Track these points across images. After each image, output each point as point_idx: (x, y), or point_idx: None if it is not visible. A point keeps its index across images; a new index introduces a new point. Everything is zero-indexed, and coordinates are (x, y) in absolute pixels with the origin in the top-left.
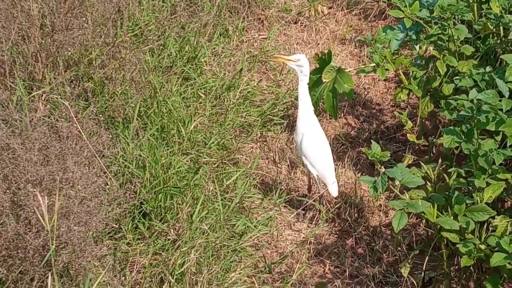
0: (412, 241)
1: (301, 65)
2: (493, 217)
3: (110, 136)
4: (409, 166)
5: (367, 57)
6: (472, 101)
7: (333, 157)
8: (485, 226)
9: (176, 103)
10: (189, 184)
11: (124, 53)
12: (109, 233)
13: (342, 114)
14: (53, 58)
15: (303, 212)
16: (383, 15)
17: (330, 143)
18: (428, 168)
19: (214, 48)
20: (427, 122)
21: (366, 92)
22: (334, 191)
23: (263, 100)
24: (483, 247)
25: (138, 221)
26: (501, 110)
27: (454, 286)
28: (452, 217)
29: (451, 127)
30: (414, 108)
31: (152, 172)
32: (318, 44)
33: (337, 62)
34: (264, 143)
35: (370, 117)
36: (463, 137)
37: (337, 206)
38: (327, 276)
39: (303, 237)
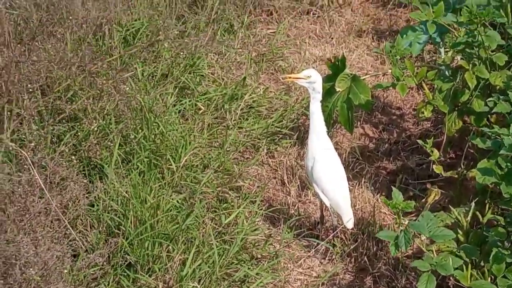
0: (439, 276)
1: (313, 81)
2: None
3: (85, 180)
4: (435, 202)
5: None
6: None
7: (349, 176)
8: None
9: (169, 123)
10: (181, 228)
11: (100, 83)
12: None
13: (359, 123)
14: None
15: (315, 243)
16: (404, 3)
17: (345, 159)
18: (459, 213)
19: (216, 47)
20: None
21: (384, 95)
22: (349, 224)
23: (270, 108)
24: None
25: (121, 274)
26: None
27: None
28: (489, 277)
29: (485, 162)
30: (438, 114)
31: (137, 214)
32: (332, 38)
33: (352, 60)
34: (271, 159)
35: (390, 125)
36: (500, 172)
37: (353, 238)
38: None
39: (315, 277)
